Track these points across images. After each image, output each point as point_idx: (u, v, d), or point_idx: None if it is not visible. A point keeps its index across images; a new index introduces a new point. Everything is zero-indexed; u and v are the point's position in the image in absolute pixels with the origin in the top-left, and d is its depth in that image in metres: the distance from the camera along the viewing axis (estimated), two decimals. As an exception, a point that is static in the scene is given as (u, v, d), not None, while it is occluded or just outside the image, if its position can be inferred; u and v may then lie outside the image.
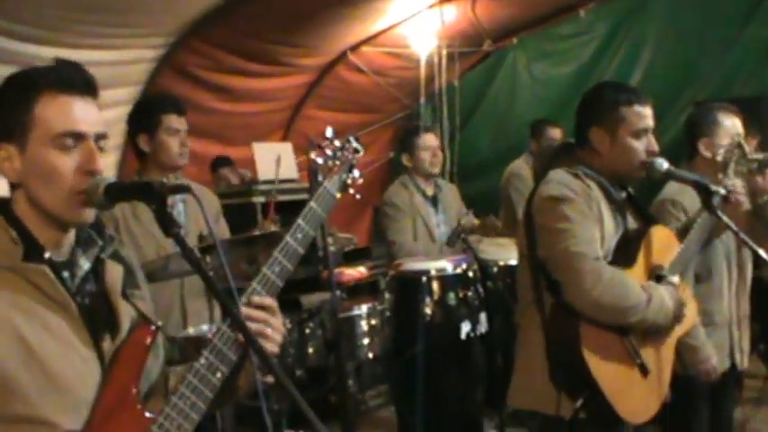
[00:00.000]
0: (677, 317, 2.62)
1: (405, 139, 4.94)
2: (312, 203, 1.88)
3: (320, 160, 2.00)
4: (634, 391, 2.58)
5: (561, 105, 6.76)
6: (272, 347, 1.74)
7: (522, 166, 5.71)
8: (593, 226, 2.56)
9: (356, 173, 2.04)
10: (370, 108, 7.13)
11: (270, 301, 1.76)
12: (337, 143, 2.02)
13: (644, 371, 2.59)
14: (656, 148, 2.67)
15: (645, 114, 2.67)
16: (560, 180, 2.62)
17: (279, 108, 6.39)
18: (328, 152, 2.00)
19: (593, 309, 2.48)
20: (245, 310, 1.71)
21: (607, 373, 2.50)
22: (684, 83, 6.40)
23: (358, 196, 2.04)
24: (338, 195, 1.98)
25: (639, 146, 2.65)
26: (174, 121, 3.32)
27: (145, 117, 3.37)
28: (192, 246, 2.23)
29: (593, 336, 2.51)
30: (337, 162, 2.00)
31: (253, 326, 1.68)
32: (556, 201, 2.57)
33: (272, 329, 1.74)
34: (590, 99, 2.75)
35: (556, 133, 5.65)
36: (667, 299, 2.56)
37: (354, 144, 2.05)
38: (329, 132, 2.03)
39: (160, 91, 3.88)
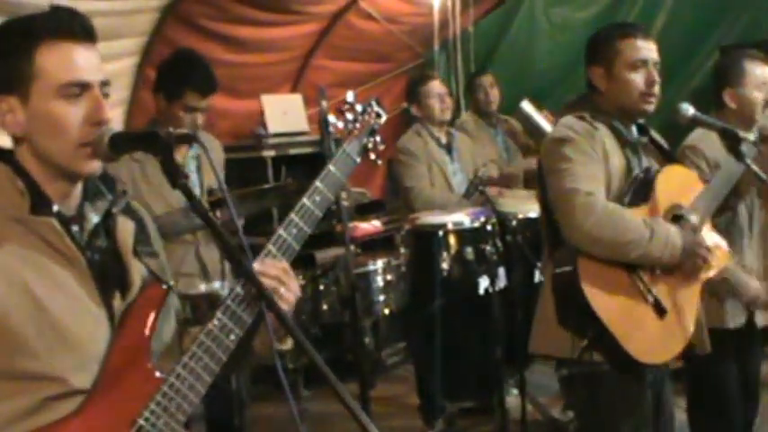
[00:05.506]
0: (690, 255, 2.52)
1: (412, 89, 4.87)
2: (331, 166, 1.84)
3: (340, 124, 1.98)
4: (647, 329, 2.51)
5: (580, 51, 6.52)
6: (284, 307, 1.67)
7: None
8: (595, 165, 2.55)
9: (378, 138, 2.02)
10: (383, 57, 6.94)
11: (284, 264, 1.71)
12: (359, 107, 2.00)
13: (659, 310, 2.50)
14: (656, 79, 2.62)
15: (641, 46, 2.62)
16: (564, 123, 2.65)
17: (287, 59, 6.21)
18: (349, 116, 1.98)
19: (588, 243, 2.45)
20: (258, 266, 1.65)
21: (613, 310, 2.45)
22: (711, 26, 6.13)
23: (379, 162, 2.02)
24: (358, 159, 1.96)
25: (636, 77, 2.61)
26: (196, 100, 3.24)
27: (171, 82, 3.27)
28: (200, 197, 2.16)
29: (593, 270, 2.46)
30: (357, 125, 1.98)
31: (266, 283, 1.62)
32: (558, 142, 2.60)
33: (286, 289, 1.68)
34: (590, 40, 2.76)
35: None
36: (673, 235, 2.48)
37: (377, 108, 2.03)
38: (350, 97, 2.00)
39: (191, 53, 3.60)
